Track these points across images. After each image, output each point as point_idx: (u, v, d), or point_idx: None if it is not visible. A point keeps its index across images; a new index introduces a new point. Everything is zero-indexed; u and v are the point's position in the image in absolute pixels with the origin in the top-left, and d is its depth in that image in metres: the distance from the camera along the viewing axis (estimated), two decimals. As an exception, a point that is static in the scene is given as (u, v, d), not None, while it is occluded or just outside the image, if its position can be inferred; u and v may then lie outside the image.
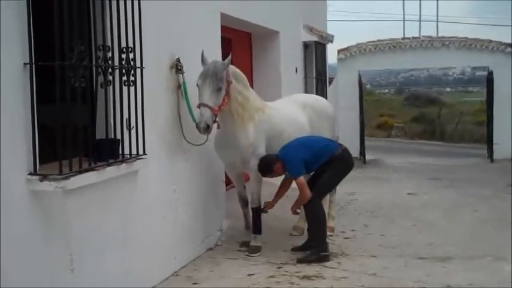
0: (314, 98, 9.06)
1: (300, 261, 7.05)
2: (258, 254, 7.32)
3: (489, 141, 17.90)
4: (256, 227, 7.48)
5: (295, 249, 7.48)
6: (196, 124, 6.62)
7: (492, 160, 17.30)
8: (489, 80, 17.96)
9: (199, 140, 6.92)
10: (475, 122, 30.79)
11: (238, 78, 7.17)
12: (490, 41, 18.27)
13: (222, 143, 7.29)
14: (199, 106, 6.66)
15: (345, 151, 7.38)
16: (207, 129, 6.60)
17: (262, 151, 7.32)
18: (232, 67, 7.08)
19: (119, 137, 5.34)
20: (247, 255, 7.30)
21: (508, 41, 18.24)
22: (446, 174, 14.78)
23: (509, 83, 17.67)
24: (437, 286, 6.16)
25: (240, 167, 7.45)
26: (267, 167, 7.14)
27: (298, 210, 7.47)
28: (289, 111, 7.95)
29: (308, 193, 7.03)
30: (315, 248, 7.18)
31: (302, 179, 7.03)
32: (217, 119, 6.81)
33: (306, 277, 6.49)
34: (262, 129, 7.31)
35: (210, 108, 6.61)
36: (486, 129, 18.73)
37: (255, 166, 7.25)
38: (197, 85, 6.75)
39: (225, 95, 6.82)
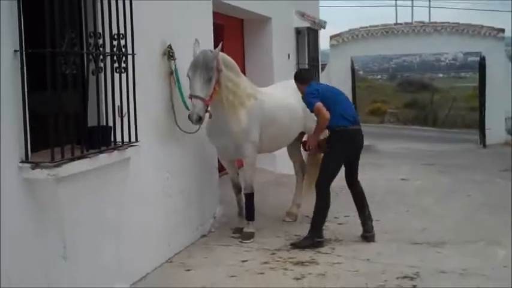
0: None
1: (293, 245, 7.08)
2: (251, 240, 7.32)
3: (481, 127, 17.99)
4: (249, 213, 7.48)
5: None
6: (189, 116, 6.62)
7: (484, 145, 17.39)
8: (481, 66, 18.01)
9: (192, 128, 6.90)
10: (467, 108, 30.90)
11: (228, 65, 7.13)
12: (482, 27, 18.32)
13: (215, 130, 7.27)
14: (190, 97, 6.66)
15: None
16: (200, 120, 6.61)
17: (255, 136, 7.32)
18: (221, 54, 7.04)
19: (110, 124, 5.31)
20: (240, 241, 7.30)
21: (500, 26, 18.29)
22: (439, 159, 14.84)
23: (501, 68, 17.73)
24: (431, 271, 6.18)
25: (233, 153, 7.43)
26: (299, 75, 7.63)
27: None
28: (282, 95, 7.95)
29: (327, 114, 7.00)
30: (310, 233, 7.18)
31: (318, 104, 7.01)
32: (209, 109, 6.80)
33: (300, 263, 6.50)
34: (255, 115, 7.29)
35: (202, 99, 6.62)
36: (478, 115, 18.81)
37: (249, 152, 7.26)
38: (188, 76, 6.73)
39: (215, 84, 6.80)
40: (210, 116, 7.01)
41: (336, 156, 7.30)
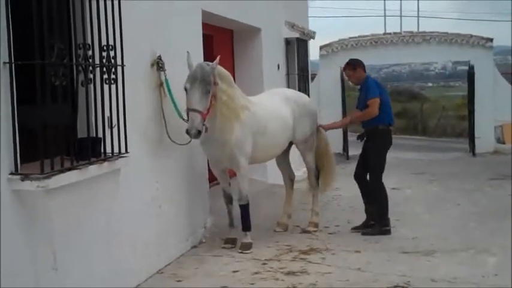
0: (297, 93, 9.15)
1: (364, 233, 7.97)
2: (250, 250, 7.30)
3: (471, 135, 18.01)
4: (246, 224, 7.48)
5: (356, 228, 8.23)
6: (187, 130, 6.57)
7: (474, 154, 17.41)
8: (470, 75, 18.06)
9: (182, 139, 6.86)
10: (456, 117, 30.89)
11: (223, 77, 7.08)
12: (471, 36, 18.39)
13: (208, 139, 7.19)
14: (188, 111, 6.64)
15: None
16: (198, 134, 6.58)
17: (248, 147, 7.31)
18: (217, 67, 7.03)
19: (100, 135, 5.31)
20: (240, 252, 7.27)
21: (488, 35, 18.38)
22: (429, 168, 14.86)
23: (489, 77, 17.81)
24: (422, 280, 6.18)
25: (226, 163, 7.40)
26: (356, 61, 8.20)
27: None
28: (273, 105, 7.95)
29: (377, 111, 7.83)
30: (377, 223, 8.03)
31: (378, 99, 7.87)
32: (205, 123, 6.73)
33: (291, 273, 6.49)
34: (248, 125, 7.27)
35: (200, 112, 6.58)
36: (468, 124, 18.85)
37: (242, 163, 7.25)
38: (185, 89, 6.71)
39: (211, 97, 6.78)
40: (206, 130, 6.89)
41: (381, 152, 8.13)
